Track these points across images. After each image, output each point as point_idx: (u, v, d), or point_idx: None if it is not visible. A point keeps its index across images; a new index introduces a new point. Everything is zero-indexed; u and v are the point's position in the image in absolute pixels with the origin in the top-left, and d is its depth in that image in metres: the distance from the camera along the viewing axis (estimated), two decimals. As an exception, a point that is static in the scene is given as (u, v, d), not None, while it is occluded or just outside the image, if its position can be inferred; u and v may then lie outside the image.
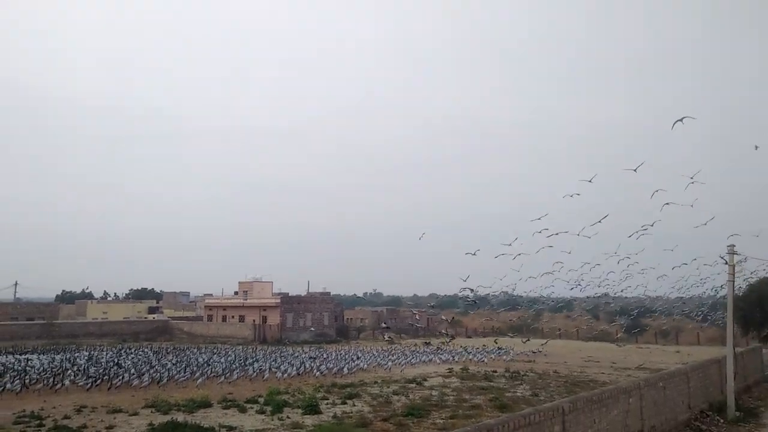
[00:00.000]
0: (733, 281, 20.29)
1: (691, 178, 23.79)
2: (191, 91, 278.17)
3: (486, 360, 38.14)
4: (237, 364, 32.29)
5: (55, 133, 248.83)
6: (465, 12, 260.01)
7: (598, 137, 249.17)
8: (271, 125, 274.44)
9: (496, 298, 76.34)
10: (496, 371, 32.10)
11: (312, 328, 62.64)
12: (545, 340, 48.88)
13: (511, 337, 69.80)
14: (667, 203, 25.04)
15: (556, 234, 28.50)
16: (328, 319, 65.94)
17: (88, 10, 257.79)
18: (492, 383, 27.42)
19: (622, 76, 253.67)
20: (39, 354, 41.07)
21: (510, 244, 29.03)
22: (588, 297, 62.28)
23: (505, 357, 39.33)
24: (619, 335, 66.07)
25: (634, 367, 35.86)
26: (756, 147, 24.03)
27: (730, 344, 20.38)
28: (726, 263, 20.01)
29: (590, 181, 25.72)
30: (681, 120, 20.85)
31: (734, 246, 19.81)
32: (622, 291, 55.86)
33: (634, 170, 24.37)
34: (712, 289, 38.79)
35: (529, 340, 44.45)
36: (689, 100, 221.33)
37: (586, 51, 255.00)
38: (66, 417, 18.77)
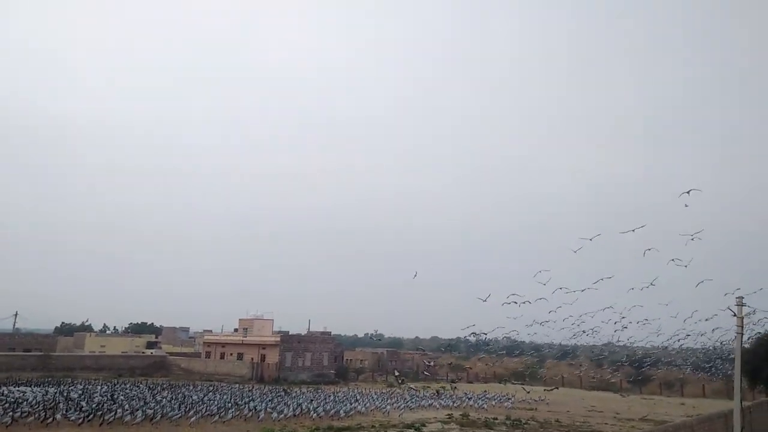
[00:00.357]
0: (742, 333, 19.91)
1: (692, 236, 23.90)
2: (197, 126, 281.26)
3: (486, 407, 37.36)
4: (232, 403, 31.68)
5: (56, 164, 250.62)
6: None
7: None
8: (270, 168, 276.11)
9: (499, 343, 75.55)
10: (497, 418, 31.38)
11: (311, 368, 61.77)
12: (550, 388, 47.87)
13: (513, 383, 68.79)
14: (673, 259, 25.05)
15: (560, 289, 28.44)
16: (327, 360, 65.05)
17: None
18: (492, 431, 26.78)
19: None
20: (33, 386, 40.47)
21: (510, 300, 28.75)
22: (592, 345, 61.58)
23: (506, 404, 38.52)
24: (623, 385, 64.94)
25: (638, 418, 35.03)
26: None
27: (737, 397, 19.84)
28: (734, 315, 19.68)
29: (590, 240, 25.78)
30: (688, 192, 21.20)
31: (743, 298, 19.51)
32: (627, 339, 55.48)
33: (632, 230, 24.67)
34: (717, 341, 38.44)
35: (529, 392, 43.52)
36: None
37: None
38: (55, 453, 18.37)
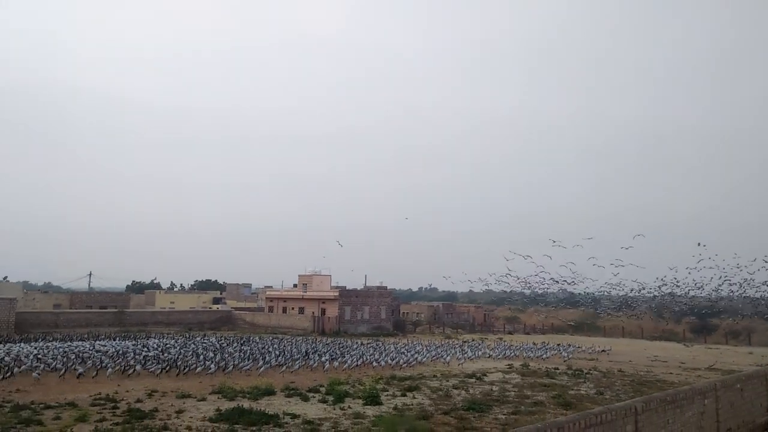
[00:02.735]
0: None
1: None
2: (256, 100, 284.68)
3: (546, 356, 37.45)
4: (298, 354, 32.90)
5: (119, 134, 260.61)
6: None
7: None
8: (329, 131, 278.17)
9: (555, 295, 75.00)
10: (557, 368, 31.45)
11: (369, 321, 63.21)
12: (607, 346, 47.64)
13: (571, 334, 68.44)
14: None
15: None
16: (385, 313, 66.30)
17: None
18: (554, 380, 26.89)
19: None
20: (112, 340, 43.15)
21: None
22: (653, 296, 60.34)
23: (564, 354, 38.48)
24: (686, 335, 63.60)
25: (704, 367, 34.39)
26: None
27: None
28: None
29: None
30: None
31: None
32: (688, 290, 54.67)
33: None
34: None
35: (591, 347, 43.46)
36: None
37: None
38: (138, 401, 19.64)
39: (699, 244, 44.52)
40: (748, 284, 47.78)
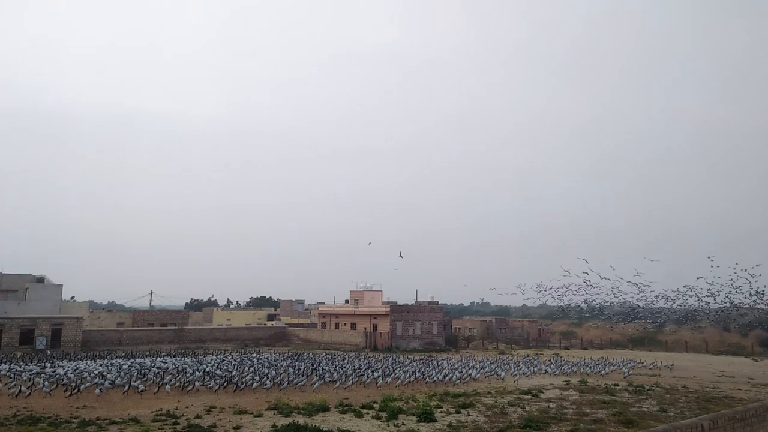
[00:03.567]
0: None
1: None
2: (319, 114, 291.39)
3: (605, 372, 36.28)
4: (352, 370, 33.03)
5: (178, 157, 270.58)
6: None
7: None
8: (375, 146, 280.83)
9: (612, 308, 72.75)
10: (617, 385, 30.42)
11: (421, 337, 62.86)
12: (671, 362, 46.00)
13: (631, 349, 66.07)
14: None
15: None
16: (436, 328, 65.82)
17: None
18: (614, 397, 26.02)
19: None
20: (172, 357, 44.43)
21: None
22: (716, 308, 57.92)
23: (624, 370, 37.18)
24: (755, 349, 60.40)
25: (776, 384, 32.59)
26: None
27: None
28: None
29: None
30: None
31: None
32: (753, 302, 52.88)
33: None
34: None
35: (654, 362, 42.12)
36: None
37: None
38: (198, 416, 20.10)
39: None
40: None
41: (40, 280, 61.52)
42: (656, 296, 57.84)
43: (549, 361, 43.27)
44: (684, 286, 54.07)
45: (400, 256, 75.98)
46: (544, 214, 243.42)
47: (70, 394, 24.37)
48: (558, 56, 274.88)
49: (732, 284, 49.56)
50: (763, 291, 48.89)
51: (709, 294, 52.23)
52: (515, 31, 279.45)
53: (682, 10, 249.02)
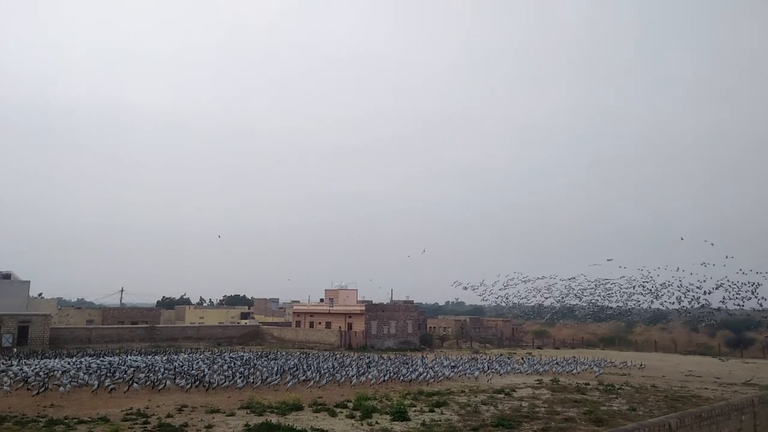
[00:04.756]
0: None
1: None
2: (291, 117, 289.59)
3: (576, 372, 36.80)
4: (326, 369, 32.92)
5: (171, 153, 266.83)
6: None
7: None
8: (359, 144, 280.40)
9: (583, 309, 73.89)
10: (588, 384, 30.87)
11: (396, 336, 62.98)
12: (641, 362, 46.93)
13: (602, 349, 67.13)
14: None
15: None
16: (411, 327, 65.98)
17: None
18: (585, 396, 26.40)
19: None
20: (142, 355, 43.75)
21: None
22: (685, 308, 59.19)
23: (596, 369, 37.75)
24: (722, 349, 61.87)
25: (740, 382, 33.42)
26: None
27: None
28: None
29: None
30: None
31: None
32: (722, 303, 54.13)
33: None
34: None
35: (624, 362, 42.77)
36: None
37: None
38: (169, 416, 19.82)
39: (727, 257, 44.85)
40: None
41: (7, 276, 59.95)
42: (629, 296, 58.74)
43: (522, 360, 43.69)
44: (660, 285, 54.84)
45: (423, 251, 76.81)
46: (535, 214, 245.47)
47: (37, 393, 23.85)
48: (558, 56, 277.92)
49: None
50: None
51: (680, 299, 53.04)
52: (515, 31, 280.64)
53: (684, 10, 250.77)
